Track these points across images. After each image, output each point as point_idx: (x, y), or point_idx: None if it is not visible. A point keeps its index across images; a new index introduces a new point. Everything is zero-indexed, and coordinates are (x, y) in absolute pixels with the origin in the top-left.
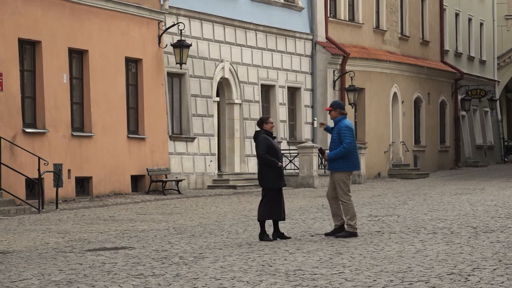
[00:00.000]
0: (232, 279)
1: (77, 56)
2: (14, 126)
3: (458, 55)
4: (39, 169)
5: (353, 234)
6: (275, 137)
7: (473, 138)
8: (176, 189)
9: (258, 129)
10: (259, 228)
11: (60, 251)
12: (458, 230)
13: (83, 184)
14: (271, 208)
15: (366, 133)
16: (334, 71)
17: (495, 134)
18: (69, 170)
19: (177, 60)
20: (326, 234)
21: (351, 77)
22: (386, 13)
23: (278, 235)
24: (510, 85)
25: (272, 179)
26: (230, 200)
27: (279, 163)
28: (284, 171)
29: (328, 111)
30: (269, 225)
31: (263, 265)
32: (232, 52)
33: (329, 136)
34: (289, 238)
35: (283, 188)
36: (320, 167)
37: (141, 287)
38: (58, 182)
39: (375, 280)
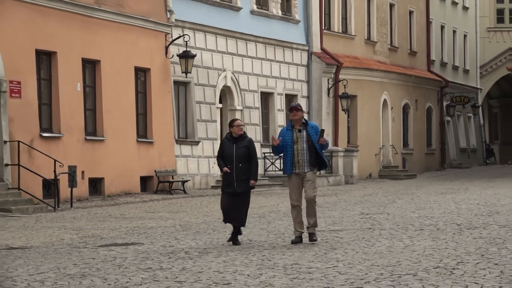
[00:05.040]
0: (234, 273)
1: (90, 66)
2: (32, 131)
3: (443, 64)
4: (55, 171)
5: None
6: (245, 139)
7: (458, 141)
8: (182, 189)
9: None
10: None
11: (74, 247)
12: (443, 227)
13: (95, 185)
14: (223, 212)
15: (358, 137)
16: (328, 79)
17: (477, 138)
18: (82, 172)
19: (182, 69)
20: (293, 242)
21: (344, 85)
22: (377, 26)
23: (231, 239)
24: (491, 93)
25: (222, 181)
26: None
27: (224, 168)
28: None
29: (295, 111)
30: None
31: (262, 260)
32: (234, 62)
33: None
34: (239, 245)
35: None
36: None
37: (149, 279)
38: (72, 183)
39: (366, 274)
